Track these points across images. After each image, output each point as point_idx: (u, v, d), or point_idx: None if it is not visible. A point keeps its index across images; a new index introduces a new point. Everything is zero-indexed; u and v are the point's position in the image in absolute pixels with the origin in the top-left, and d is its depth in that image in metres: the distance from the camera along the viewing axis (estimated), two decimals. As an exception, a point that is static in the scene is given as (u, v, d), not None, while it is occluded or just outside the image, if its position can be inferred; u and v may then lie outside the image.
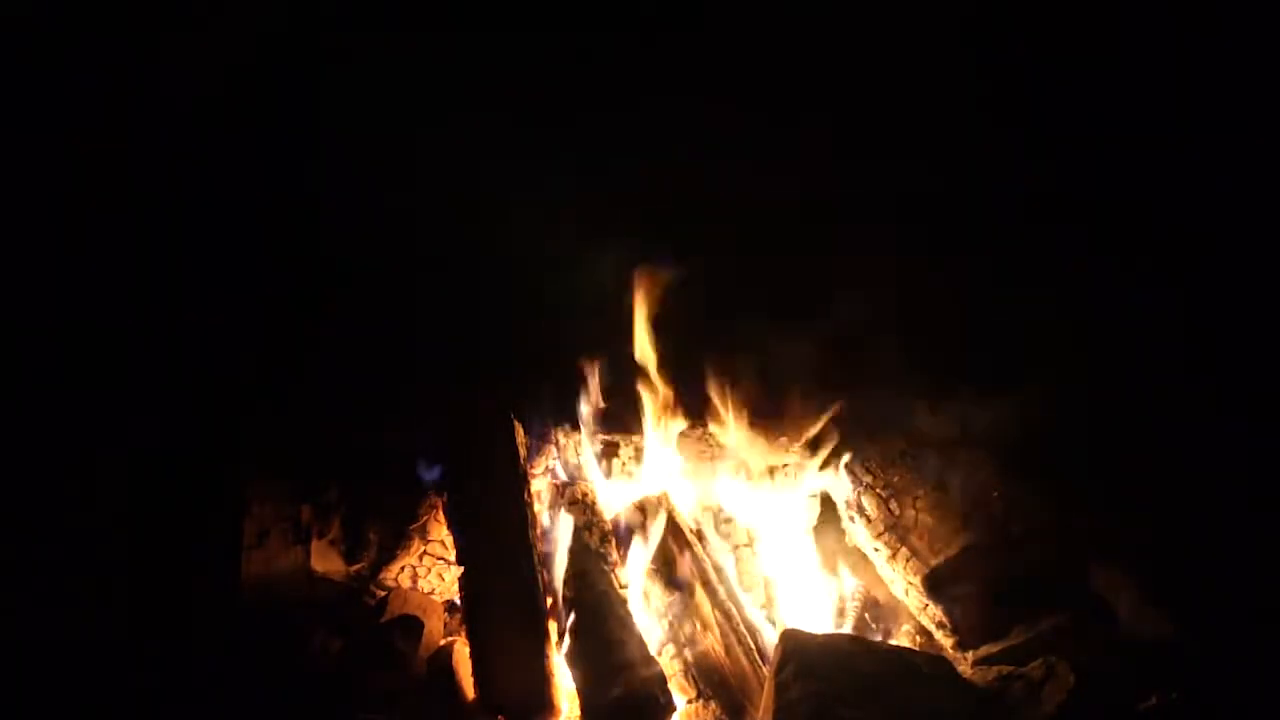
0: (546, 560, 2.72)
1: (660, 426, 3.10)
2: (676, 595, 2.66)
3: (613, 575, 2.70)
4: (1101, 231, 3.23)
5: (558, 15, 3.43)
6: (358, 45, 3.35)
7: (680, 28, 3.41)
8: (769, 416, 3.06)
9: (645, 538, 2.80)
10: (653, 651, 2.52)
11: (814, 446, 3.03)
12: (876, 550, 2.91)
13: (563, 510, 2.87)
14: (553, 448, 3.13)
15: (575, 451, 3.15)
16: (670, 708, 2.36)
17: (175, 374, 3.21)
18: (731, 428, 3.07)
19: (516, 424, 2.92)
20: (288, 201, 3.40)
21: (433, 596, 2.93)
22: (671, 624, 2.64)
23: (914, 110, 3.31)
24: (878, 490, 2.97)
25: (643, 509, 2.88)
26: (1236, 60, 3.06)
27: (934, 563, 2.75)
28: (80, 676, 2.57)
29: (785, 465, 3.07)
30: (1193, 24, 3.06)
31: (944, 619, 2.72)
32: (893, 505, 2.91)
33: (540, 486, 2.99)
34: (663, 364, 3.11)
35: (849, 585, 3.00)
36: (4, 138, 3.12)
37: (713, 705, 2.50)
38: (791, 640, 2.30)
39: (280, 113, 3.40)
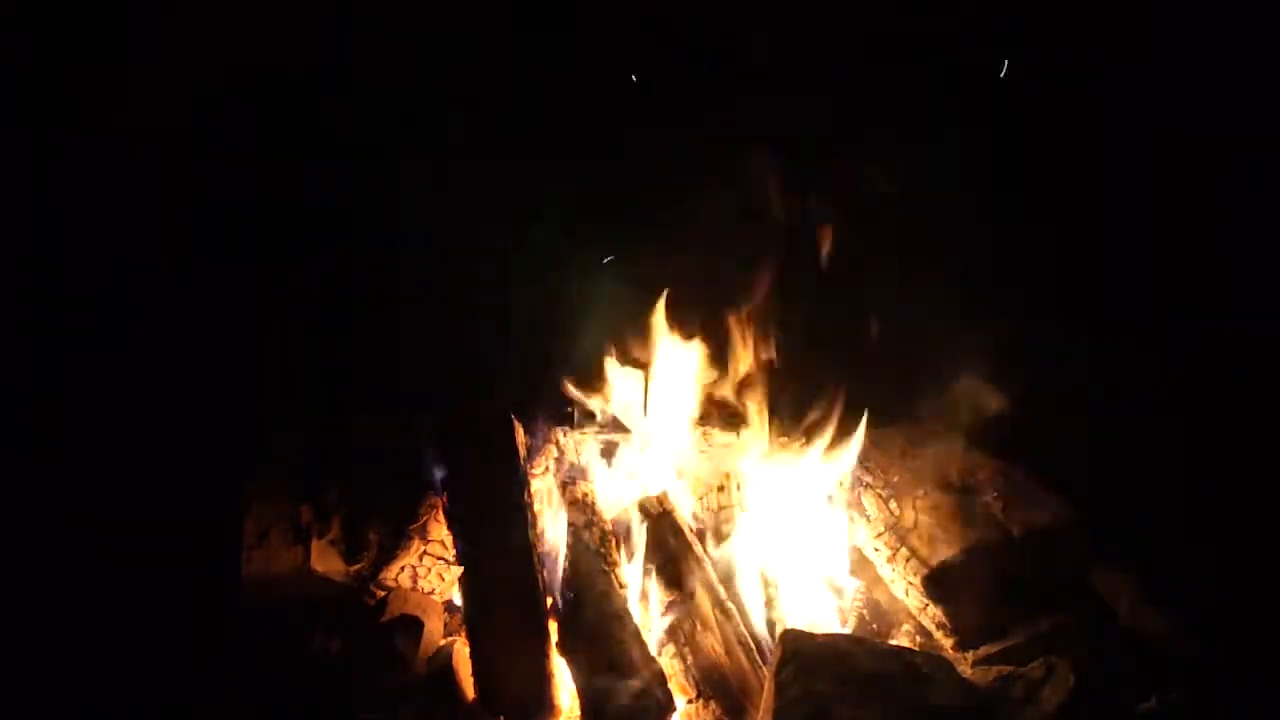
0: (546, 560, 2.72)
1: (664, 425, 3.10)
2: (676, 595, 2.66)
3: (613, 575, 2.70)
4: (1099, 233, 3.24)
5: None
6: (358, 49, 3.36)
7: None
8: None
9: (645, 538, 2.80)
10: (653, 651, 2.52)
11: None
12: (876, 550, 2.91)
13: (563, 510, 2.88)
14: (553, 448, 3.13)
15: (575, 451, 3.15)
16: (670, 708, 2.36)
17: (176, 373, 3.21)
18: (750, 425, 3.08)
19: (516, 424, 2.92)
20: (288, 202, 3.41)
21: (433, 596, 2.92)
22: (671, 624, 2.64)
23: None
24: (878, 490, 2.97)
25: (643, 509, 2.88)
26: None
27: (934, 563, 2.75)
28: (79, 676, 2.57)
29: (787, 464, 3.07)
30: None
31: (944, 619, 2.72)
32: (893, 505, 2.91)
33: (540, 486, 2.99)
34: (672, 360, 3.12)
35: (849, 585, 3.00)
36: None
37: (713, 705, 2.50)
38: (791, 640, 2.30)
39: (281, 111, 3.40)
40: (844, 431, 2.96)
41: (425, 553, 2.92)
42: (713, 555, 2.83)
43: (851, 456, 2.96)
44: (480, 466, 2.80)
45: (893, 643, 2.80)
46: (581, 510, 2.87)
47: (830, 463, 2.97)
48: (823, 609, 2.88)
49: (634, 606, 2.67)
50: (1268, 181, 3.02)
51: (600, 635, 2.49)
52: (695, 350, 3.13)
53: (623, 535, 2.87)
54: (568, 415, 3.13)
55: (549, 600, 2.63)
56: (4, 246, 3.18)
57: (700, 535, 2.92)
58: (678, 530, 2.80)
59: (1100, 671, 2.28)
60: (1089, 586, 2.65)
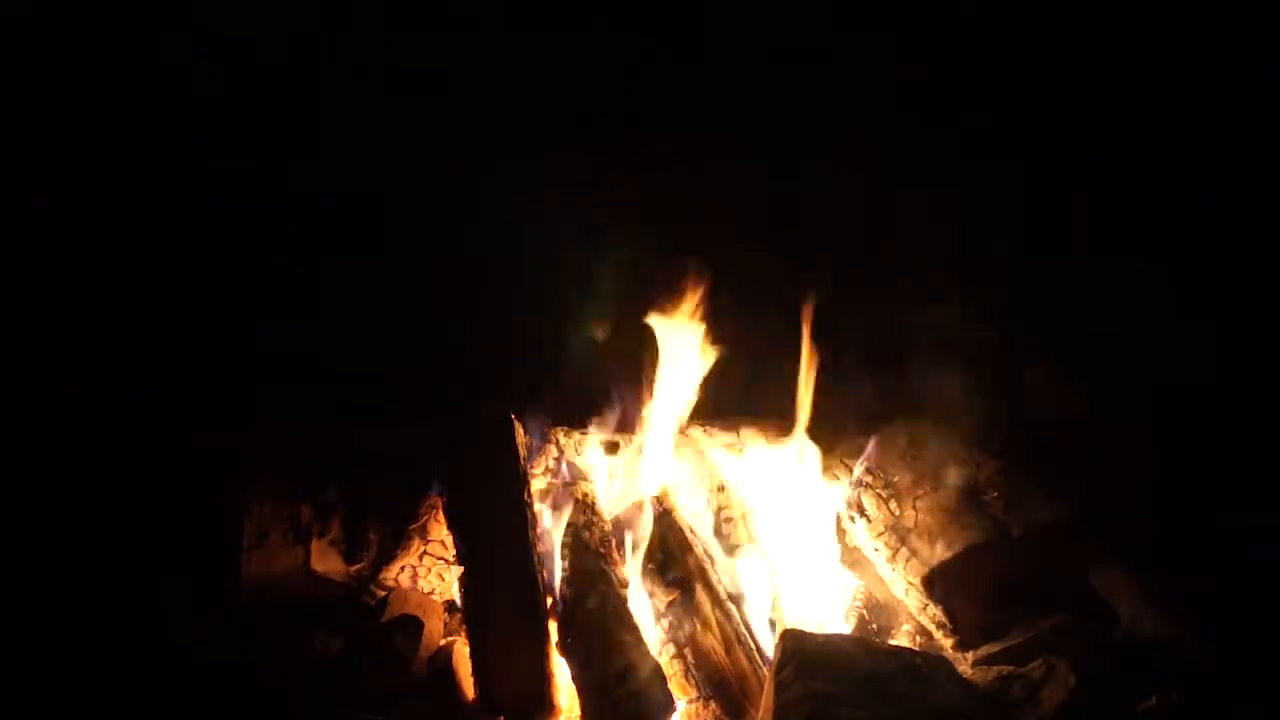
0: (546, 560, 2.72)
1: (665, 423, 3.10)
2: (676, 595, 2.66)
3: (613, 575, 2.70)
4: (1101, 231, 3.23)
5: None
6: (360, 42, 3.36)
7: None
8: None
9: (645, 538, 2.80)
10: (653, 651, 2.52)
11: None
12: (876, 550, 2.91)
13: (563, 510, 2.87)
14: (553, 448, 3.13)
15: (575, 451, 3.15)
16: (670, 708, 2.36)
17: (176, 373, 3.22)
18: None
19: (516, 424, 2.92)
20: (288, 201, 3.41)
21: (433, 596, 2.92)
22: (671, 624, 2.64)
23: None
24: (878, 490, 2.96)
25: (643, 509, 2.87)
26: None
27: (934, 563, 2.75)
28: (80, 677, 2.57)
29: (788, 464, 3.07)
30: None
31: (944, 619, 2.72)
32: (893, 505, 2.91)
33: (540, 486, 2.99)
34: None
35: (849, 585, 2.99)
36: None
37: (713, 705, 2.50)
38: (791, 640, 2.30)
39: (280, 108, 3.41)
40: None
41: (425, 553, 2.93)
42: (713, 555, 2.83)
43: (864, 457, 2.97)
44: (480, 466, 2.80)
45: (893, 643, 2.80)
46: (581, 510, 2.87)
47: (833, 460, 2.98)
48: (823, 609, 2.88)
49: (634, 606, 2.67)
50: (1263, 182, 3.02)
51: (600, 635, 2.48)
52: (696, 346, 3.13)
53: (623, 535, 2.87)
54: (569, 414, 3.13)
55: (549, 600, 2.63)
56: (4, 244, 3.18)
57: (700, 535, 2.92)
58: (678, 530, 2.80)
59: (1100, 671, 2.28)
60: (1089, 586, 2.65)
